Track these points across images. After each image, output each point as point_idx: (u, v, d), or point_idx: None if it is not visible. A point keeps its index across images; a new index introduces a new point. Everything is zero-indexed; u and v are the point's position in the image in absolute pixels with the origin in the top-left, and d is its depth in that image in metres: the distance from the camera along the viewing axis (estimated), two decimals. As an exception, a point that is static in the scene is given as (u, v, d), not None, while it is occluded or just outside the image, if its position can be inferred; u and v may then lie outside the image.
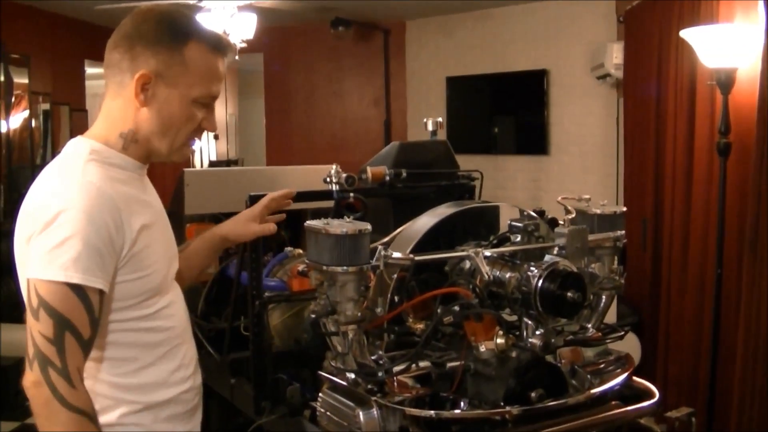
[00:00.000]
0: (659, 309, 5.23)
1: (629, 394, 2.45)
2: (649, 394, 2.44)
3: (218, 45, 1.97)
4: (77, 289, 1.72)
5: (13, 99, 7.66)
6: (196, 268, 2.38)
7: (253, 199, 2.92)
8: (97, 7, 6.12)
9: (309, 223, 2.17)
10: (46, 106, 8.28)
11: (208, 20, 7.30)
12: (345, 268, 2.10)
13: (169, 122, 1.93)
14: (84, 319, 1.73)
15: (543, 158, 8.17)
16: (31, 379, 1.71)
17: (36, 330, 1.70)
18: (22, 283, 1.83)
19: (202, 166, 10.74)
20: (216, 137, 11.57)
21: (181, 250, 2.24)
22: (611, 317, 3.91)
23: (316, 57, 9.94)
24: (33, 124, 8.02)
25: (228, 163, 10.43)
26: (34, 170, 7.71)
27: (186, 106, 1.94)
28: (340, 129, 9.98)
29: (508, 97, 8.61)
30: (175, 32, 1.90)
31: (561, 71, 7.94)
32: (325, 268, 2.12)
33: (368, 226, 2.13)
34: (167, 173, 6.57)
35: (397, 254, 2.20)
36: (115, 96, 1.94)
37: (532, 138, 8.27)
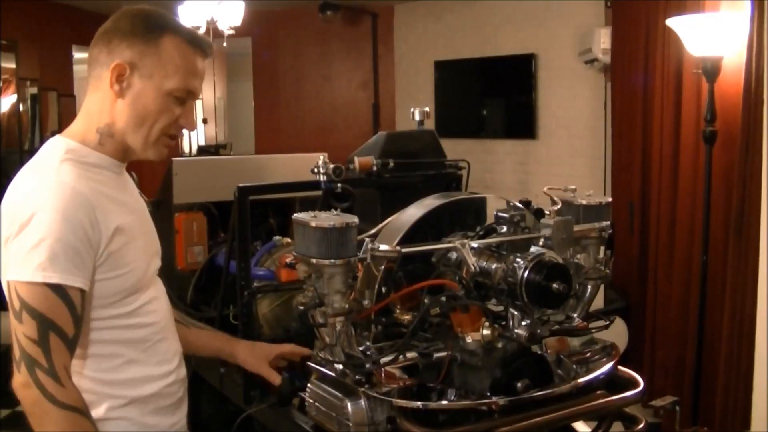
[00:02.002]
0: (646, 294, 5.27)
1: (615, 382, 2.47)
2: (634, 383, 2.46)
3: (195, 40, 1.97)
4: (57, 289, 1.73)
5: (0, 84, 7.64)
6: (191, 348, 2.38)
7: (241, 191, 2.93)
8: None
9: (296, 216, 2.18)
10: (33, 90, 8.26)
11: (196, 8, 7.30)
12: (332, 260, 2.11)
13: (143, 114, 1.93)
14: (67, 317, 1.74)
15: (531, 142, 8.18)
16: (19, 380, 1.73)
17: (20, 332, 1.72)
18: (3, 283, 1.84)
19: (190, 151, 10.71)
20: (204, 121, 11.53)
21: (191, 325, 2.36)
22: (599, 303, 3.94)
23: (305, 41, 9.93)
24: (21, 108, 8.01)
25: (217, 147, 10.39)
26: (23, 155, 7.70)
27: (161, 98, 1.93)
28: (329, 112, 9.99)
29: (496, 81, 8.62)
30: (150, 24, 1.92)
31: (549, 55, 7.95)
32: (312, 260, 2.13)
33: (355, 219, 2.14)
34: (155, 163, 6.56)
35: (384, 247, 2.21)
36: (94, 90, 1.95)
37: (521, 122, 8.28)
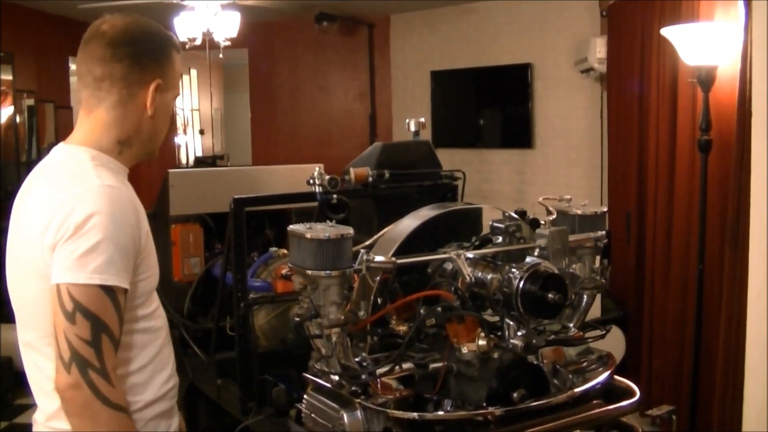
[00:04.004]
0: (643, 303, 5.27)
1: (612, 392, 2.47)
2: (630, 393, 2.46)
3: (179, 46, 2.10)
4: (110, 291, 1.77)
5: (-3, 96, 7.66)
6: None
7: (237, 202, 2.94)
8: (81, 6, 6.11)
9: (292, 227, 2.19)
10: (30, 102, 8.26)
11: (192, 19, 7.31)
12: (328, 272, 2.12)
13: (163, 124, 2.06)
14: (116, 319, 1.79)
15: (528, 151, 8.19)
16: (67, 381, 1.74)
17: (72, 333, 1.74)
18: (22, 280, 1.88)
19: (187, 162, 10.71)
20: (201, 132, 11.56)
21: None
22: (595, 312, 3.94)
23: (301, 52, 9.95)
24: (18, 120, 8.01)
25: (214, 158, 10.39)
26: (20, 167, 7.70)
27: (170, 107, 2.07)
28: (326, 123, 10.00)
29: (492, 91, 8.63)
30: (163, 40, 2.02)
31: (545, 65, 7.97)
32: (308, 272, 2.14)
33: (350, 230, 2.15)
34: (153, 174, 6.57)
35: (379, 258, 2.22)
36: (116, 106, 1.97)
37: (517, 131, 8.30)
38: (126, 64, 1.95)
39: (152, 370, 2.01)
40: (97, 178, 1.84)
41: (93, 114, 1.99)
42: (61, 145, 2.01)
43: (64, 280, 1.76)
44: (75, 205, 1.79)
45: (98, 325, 1.75)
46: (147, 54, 1.97)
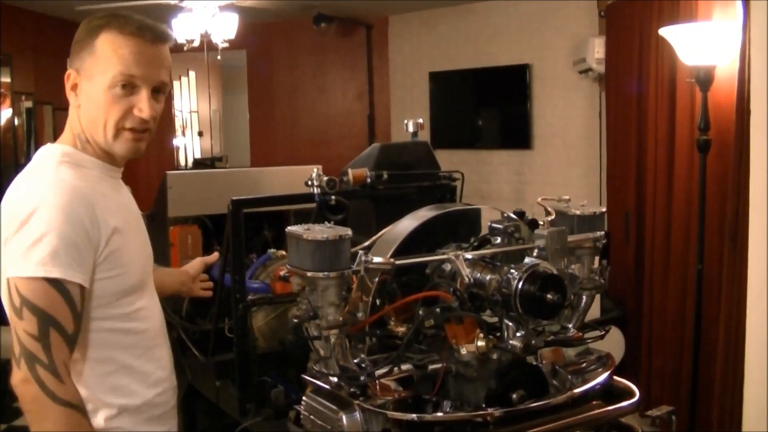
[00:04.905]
0: (642, 303, 5.27)
1: (611, 392, 2.47)
2: (630, 393, 2.46)
3: (135, 30, 1.95)
4: (57, 284, 1.74)
5: (-4, 98, 7.66)
6: None
7: (235, 204, 2.94)
8: (78, 7, 6.11)
9: (290, 228, 2.19)
10: (29, 104, 8.26)
11: (190, 21, 7.31)
12: (326, 273, 2.12)
13: (94, 114, 1.96)
14: (66, 313, 1.76)
15: (526, 152, 8.19)
16: (18, 376, 1.74)
17: (20, 328, 1.73)
18: (3, 281, 1.86)
19: (186, 163, 10.70)
20: (200, 134, 11.54)
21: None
22: (595, 312, 3.93)
23: (299, 53, 9.94)
24: (16, 123, 8.00)
25: (212, 160, 10.38)
26: (18, 170, 7.67)
27: (103, 95, 1.95)
28: (324, 124, 9.99)
29: (491, 92, 8.63)
30: (90, 28, 1.97)
31: (543, 65, 7.96)
32: (306, 273, 2.14)
33: (349, 231, 2.15)
34: (151, 175, 6.57)
35: (377, 259, 2.22)
36: (71, 104, 2.02)
37: (516, 132, 8.29)
38: (68, 63, 1.98)
39: (136, 372, 1.99)
40: (53, 173, 1.85)
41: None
42: (47, 144, 2.04)
43: (10, 274, 1.76)
44: (23, 199, 1.79)
45: (45, 320, 1.73)
46: (72, 50, 1.97)
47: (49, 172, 1.85)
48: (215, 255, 2.87)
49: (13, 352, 1.75)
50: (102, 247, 1.86)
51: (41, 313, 1.73)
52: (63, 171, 1.87)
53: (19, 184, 1.88)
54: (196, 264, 2.81)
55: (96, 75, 1.94)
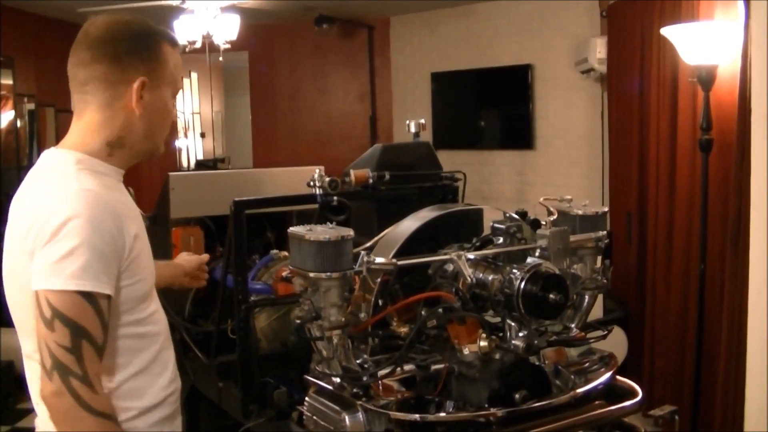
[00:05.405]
0: (645, 303, 5.27)
1: (614, 392, 2.47)
2: (632, 393, 2.46)
3: (176, 40, 2.06)
4: (89, 297, 1.75)
5: (-2, 100, 7.66)
6: None
7: (237, 205, 2.94)
8: (80, 9, 6.11)
9: (292, 229, 2.19)
10: (31, 106, 8.25)
11: (191, 22, 7.31)
12: (328, 274, 2.12)
13: (157, 122, 2.01)
14: (97, 325, 1.77)
15: (528, 152, 8.19)
16: (50, 389, 1.73)
17: (52, 340, 1.73)
18: (14, 290, 1.88)
19: (188, 165, 10.70)
20: (202, 135, 11.55)
21: None
22: (597, 312, 3.92)
23: (301, 54, 9.95)
24: (18, 125, 8.00)
25: (215, 161, 10.38)
26: (20, 172, 7.69)
27: (168, 104, 2.03)
28: (326, 125, 9.99)
29: (493, 92, 8.62)
30: (147, 35, 1.98)
31: (545, 66, 7.96)
32: (308, 274, 2.14)
33: (351, 232, 2.15)
34: (153, 177, 6.57)
35: (380, 259, 2.22)
36: (103, 108, 1.96)
37: (518, 132, 8.29)
38: (106, 64, 1.93)
39: (149, 375, 2.00)
40: (77, 182, 1.83)
41: (82, 117, 1.98)
42: (51, 149, 2.00)
43: (41, 286, 1.75)
44: (52, 210, 1.78)
45: (78, 332, 1.73)
46: (128, 52, 1.94)
47: (72, 181, 1.84)
48: (206, 257, 2.88)
49: (42, 364, 1.74)
50: (126, 255, 1.86)
51: (73, 325, 1.73)
52: (86, 179, 1.85)
53: (40, 191, 1.87)
54: (193, 261, 2.80)
55: (162, 85, 1.99)
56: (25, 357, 1.94)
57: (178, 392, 2.12)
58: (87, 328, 1.74)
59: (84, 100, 1.97)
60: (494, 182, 8.39)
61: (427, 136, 3.37)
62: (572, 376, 2.44)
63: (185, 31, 7.31)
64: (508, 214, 2.54)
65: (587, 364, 2.53)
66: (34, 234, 1.78)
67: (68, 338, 1.72)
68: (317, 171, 2.84)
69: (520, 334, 2.28)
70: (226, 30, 7.46)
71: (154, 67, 1.97)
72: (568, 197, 2.59)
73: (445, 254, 2.37)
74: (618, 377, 2.49)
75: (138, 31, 1.97)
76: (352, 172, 2.94)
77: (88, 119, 1.97)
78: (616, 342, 4.93)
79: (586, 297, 2.54)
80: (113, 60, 1.93)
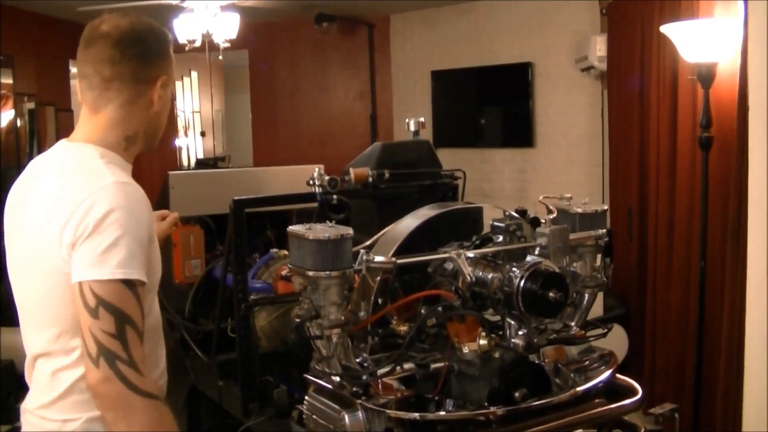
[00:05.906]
0: (646, 300, 5.26)
1: (614, 390, 2.47)
2: (632, 391, 2.46)
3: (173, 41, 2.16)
4: (130, 285, 1.79)
5: (-2, 99, 7.66)
6: None
7: (237, 204, 2.94)
8: (80, 8, 6.11)
9: (292, 228, 2.19)
10: (31, 105, 8.25)
11: (191, 21, 7.31)
12: (328, 272, 2.12)
13: (164, 117, 2.12)
14: (138, 311, 1.81)
15: (529, 150, 8.17)
16: (98, 376, 1.75)
17: (97, 328, 1.75)
18: (30, 283, 1.92)
19: (188, 164, 10.70)
20: (203, 134, 11.55)
21: None
22: (598, 310, 3.92)
23: (301, 52, 9.94)
24: (18, 124, 8.00)
25: (215, 160, 10.38)
26: (20, 171, 7.66)
27: (169, 102, 2.13)
28: (326, 123, 9.98)
29: (493, 90, 8.61)
30: (165, 38, 2.08)
31: (545, 63, 7.95)
32: (308, 273, 2.14)
33: (350, 231, 2.15)
34: (154, 175, 6.56)
35: (379, 258, 2.22)
36: (125, 104, 2.01)
37: (518, 130, 8.27)
38: (135, 63, 1.99)
39: (152, 363, 2.01)
40: (112, 175, 1.88)
41: (100, 113, 2.02)
42: (63, 142, 2.05)
43: (86, 277, 1.78)
44: (93, 202, 1.81)
45: (122, 318, 1.77)
46: (154, 52, 2.03)
47: (105, 174, 1.88)
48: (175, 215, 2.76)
49: (87, 354, 1.76)
50: (150, 244, 1.92)
51: (118, 312, 1.77)
52: (117, 172, 1.91)
53: (73, 185, 1.89)
54: (164, 226, 2.70)
55: (171, 84, 2.09)
56: (37, 356, 1.96)
57: (165, 386, 2.15)
58: (130, 315, 1.78)
59: (106, 97, 2.00)
60: (495, 180, 8.38)
61: (427, 134, 3.37)
62: (572, 375, 2.44)
63: (185, 29, 7.31)
64: (507, 213, 2.54)
65: (587, 362, 2.54)
66: (74, 226, 1.81)
67: (113, 325, 1.76)
68: (317, 170, 2.85)
69: (520, 333, 2.28)
70: (226, 28, 7.45)
71: (169, 67, 2.06)
72: (568, 195, 2.59)
73: (445, 252, 2.37)
74: (618, 375, 2.50)
75: (159, 32, 2.07)
76: (351, 170, 2.95)
77: (109, 114, 2.01)
78: (617, 340, 4.93)
79: (586, 295, 2.54)
80: (142, 59, 2.00)
